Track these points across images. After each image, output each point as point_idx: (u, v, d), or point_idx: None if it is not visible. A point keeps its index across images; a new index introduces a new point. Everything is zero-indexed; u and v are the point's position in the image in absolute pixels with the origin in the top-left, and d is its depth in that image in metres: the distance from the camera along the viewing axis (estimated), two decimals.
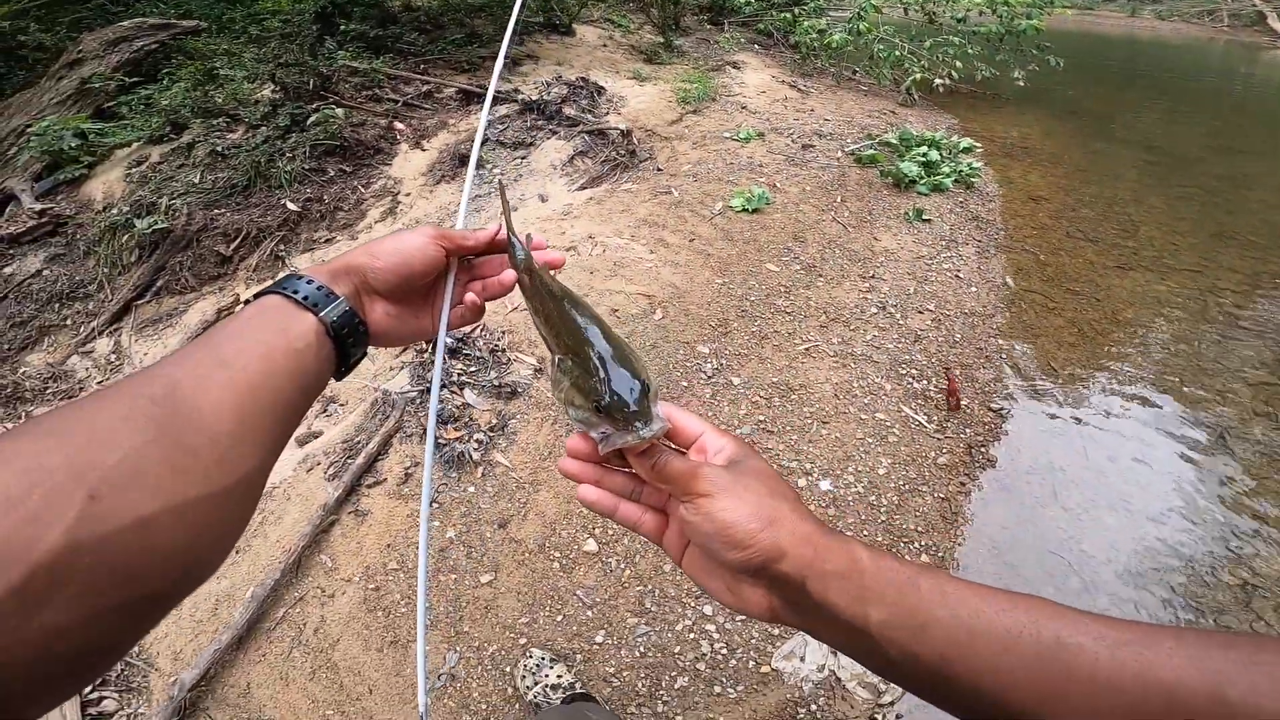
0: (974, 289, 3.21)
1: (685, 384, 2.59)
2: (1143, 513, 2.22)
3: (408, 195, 4.16)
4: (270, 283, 0.53)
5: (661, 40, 7.36)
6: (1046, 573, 2.02)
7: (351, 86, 5.44)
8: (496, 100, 4.97)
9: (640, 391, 0.43)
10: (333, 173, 4.36)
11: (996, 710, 0.34)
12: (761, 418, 2.42)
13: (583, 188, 4.10)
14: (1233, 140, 5.88)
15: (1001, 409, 2.56)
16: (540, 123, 4.77)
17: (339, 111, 4.68)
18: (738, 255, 3.39)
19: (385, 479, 2.12)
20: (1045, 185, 4.56)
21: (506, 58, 6.83)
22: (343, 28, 6.24)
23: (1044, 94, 6.98)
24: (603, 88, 5.49)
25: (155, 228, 3.63)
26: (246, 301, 0.48)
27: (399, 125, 4.80)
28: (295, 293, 0.47)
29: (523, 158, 4.40)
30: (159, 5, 6.58)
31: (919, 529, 2.07)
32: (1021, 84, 6.50)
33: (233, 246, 3.79)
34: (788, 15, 8.44)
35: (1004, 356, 2.86)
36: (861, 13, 6.80)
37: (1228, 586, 1.98)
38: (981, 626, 0.35)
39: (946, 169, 4.26)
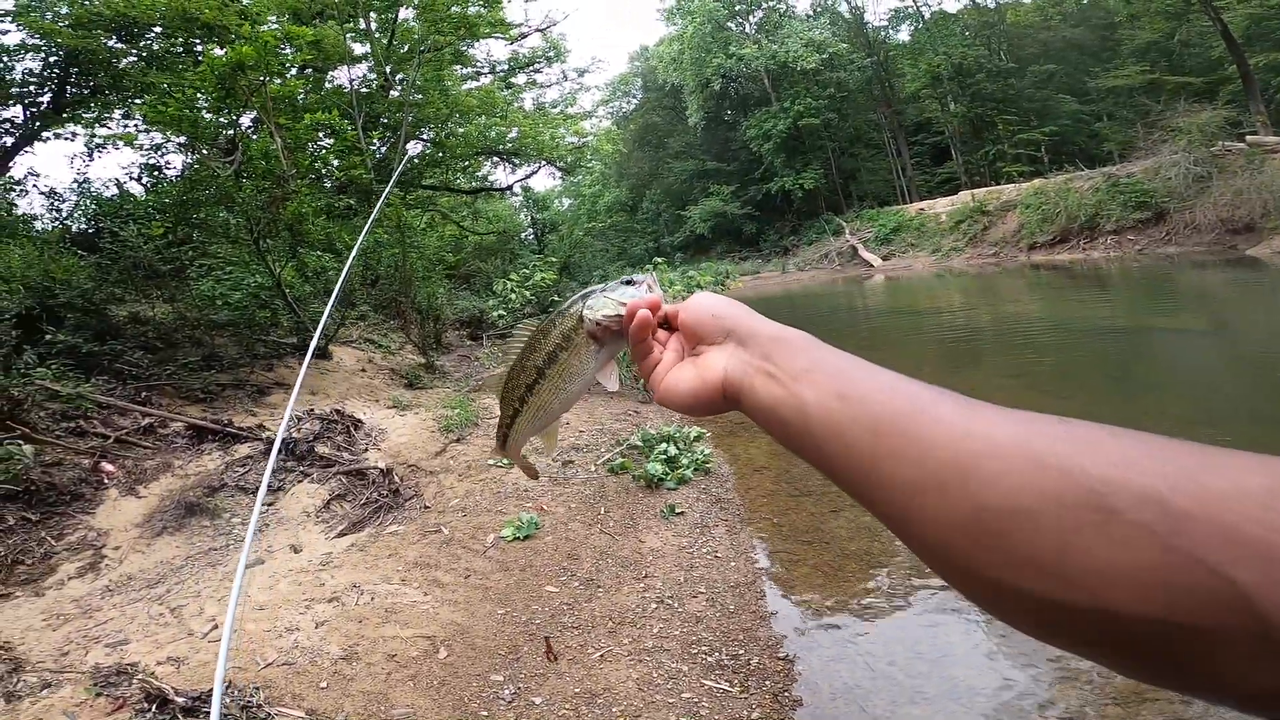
0: (733, 564, 3.60)
1: (485, 713, 2.49)
2: (938, 694, 2.49)
3: (116, 549, 3.48)
4: None
5: (423, 361, 7.82)
6: None
7: (49, 415, 4.62)
8: (236, 439, 4.65)
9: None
10: (12, 521, 3.56)
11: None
12: None
13: (343, 534, 3.85)
14: None
15: (786, 655, 2.81)
16: (290, 464, 4.49)
17: (27, 449, 3.93)
18: (516, 583, 3.47)
19: None
20: (762, 455, 5.61)
21: (251, 385, 6.56)
22: (49, 338, 5.43)
23: None
24: (360, 420, 5.46)
25: None
26: None
27: (108, 466, 4.14)
28: None
29: (270, 504, 4.05)
30: None
31: None
32: None
33: None
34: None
35: (774, 612, 3.15)
36: None
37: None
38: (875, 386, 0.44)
39: (685, 461, 4.96)
